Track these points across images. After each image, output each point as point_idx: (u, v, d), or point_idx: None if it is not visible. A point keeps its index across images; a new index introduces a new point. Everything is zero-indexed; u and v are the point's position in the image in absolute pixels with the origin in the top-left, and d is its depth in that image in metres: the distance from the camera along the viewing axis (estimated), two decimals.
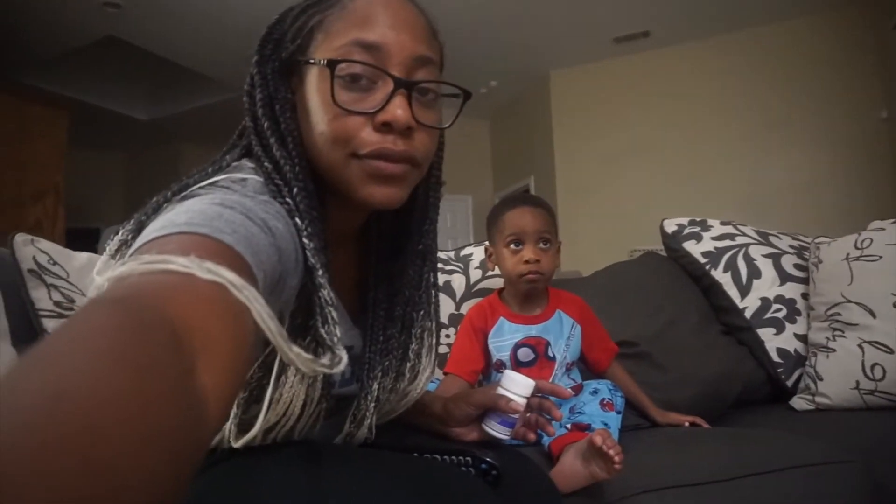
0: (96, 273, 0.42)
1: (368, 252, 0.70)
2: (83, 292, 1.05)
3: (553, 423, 1.06)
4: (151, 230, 0.41)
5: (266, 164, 0.56)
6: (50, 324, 1.00)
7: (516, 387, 0.76)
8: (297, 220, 0.53)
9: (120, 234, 0.52)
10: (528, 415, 0.80)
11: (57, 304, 1.02)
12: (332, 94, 0.54)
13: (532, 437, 0.80)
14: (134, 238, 0.49)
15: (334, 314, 0.52)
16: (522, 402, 0.76)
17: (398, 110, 0.54)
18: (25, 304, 1.03)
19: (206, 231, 0.40)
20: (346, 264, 0.69)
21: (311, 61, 0.56)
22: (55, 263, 1.06)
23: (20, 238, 1.05)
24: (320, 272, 0.52)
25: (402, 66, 0.56)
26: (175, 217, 0.41)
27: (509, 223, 1.17)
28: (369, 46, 0.55)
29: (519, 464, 0.77)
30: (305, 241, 0.52)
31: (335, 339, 0.52)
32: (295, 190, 0.54)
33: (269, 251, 0.45)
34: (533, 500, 0.73)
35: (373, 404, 0.67)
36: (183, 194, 0.50)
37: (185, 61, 5.34)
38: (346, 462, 0.59)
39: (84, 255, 1.13)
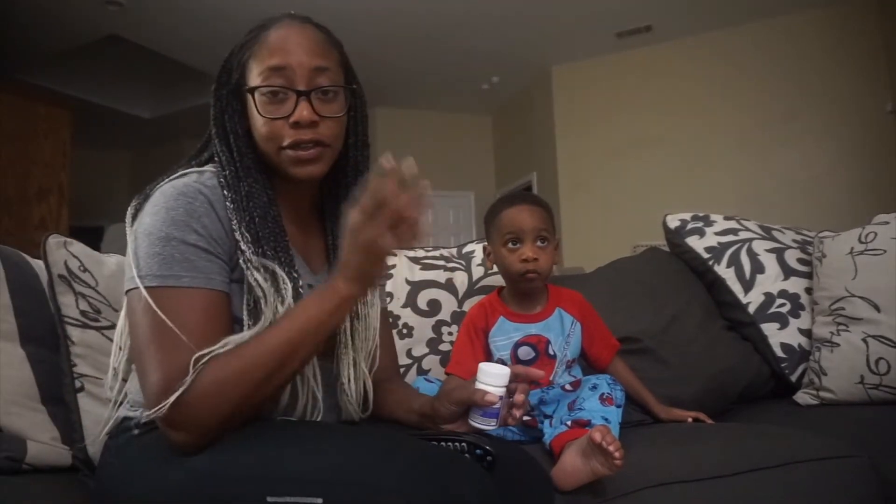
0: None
1: (325, 218, 0.92)
2: (110, 303, 1.06)
3: (554, 419, 1.07)
4: (138, 257, 0.73)
5: (216, 157, 0.81)
6: (75, 332, 1.00)
7: (491, 378, 0.79)
8: (225, 191, 0.77)
9: (131, 208, 0.79)
10: (510, 400, 0.82)
11: (83, 313, 1.02)
12: (258, 110, 0.79)
13: (511, 421, 0.81)
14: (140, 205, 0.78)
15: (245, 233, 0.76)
16: (499, 391, 0.78)
17: (303, 112, 0.78)
18: (41, 304, 1.03)
19: (171, 283, 0.71)
20: (313, 235, 0.91)
21: (245, 90, 0.81)
22: (85, 270, 1.05)
23: (53, 241, 1.04)
24: (235, 216, 0.76)
25: (304, 78, 0.79)
26: (144, 261, 0.72)
27: (507, 222, 1.17)
28: (278, 69, 0.79)
29: (513, 452, 0.80)
30: (228, 203, 0.77)
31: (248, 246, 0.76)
32: (227, 171, 0.79)
33: (204, 258, 0.73)
34: (525, 486, 0.76)
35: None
36: (164, 182, 0.78)
37: (188, 59, 5.34)
38: (346, 435, 0.69)
39: (113, 260, 1.12)
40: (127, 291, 0.73)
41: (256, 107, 0.79)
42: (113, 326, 1.03)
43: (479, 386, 0.79)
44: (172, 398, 0.65)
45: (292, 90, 0.78)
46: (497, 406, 0.78)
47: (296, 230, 0.86)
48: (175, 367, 0.67)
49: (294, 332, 0.71)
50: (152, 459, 0.70)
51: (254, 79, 0.80)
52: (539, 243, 1.16)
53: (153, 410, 0.67)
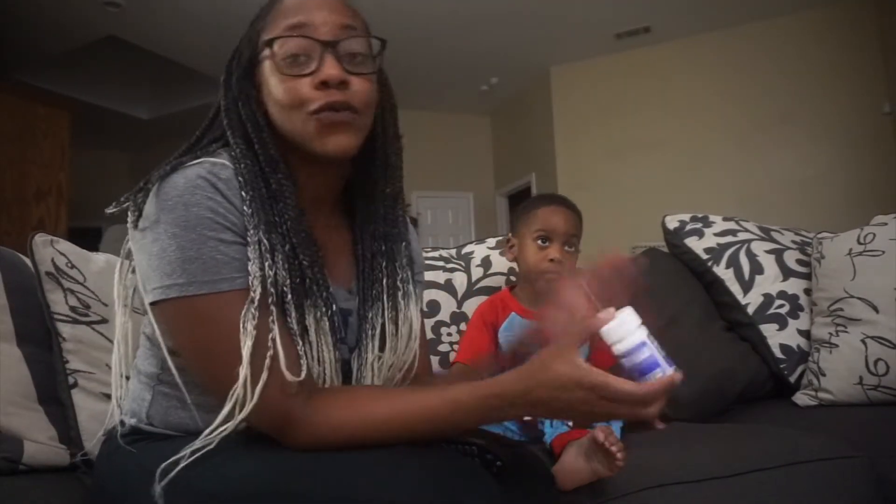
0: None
1: (351, 216, 0.81)
2: (99, 297, 1.05)
3: (554, 420, 1.06)
4: (171, 262, 0.64)
5: (232, 152, 0.71)
6: (65, 328, 1.00)
7: (620, 332, 0.61)
8: (243, 193, 0.67)
9: (132, 206, 0.69)
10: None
11: (72, 308, 1.02)
12: (279, 69, 0.69)
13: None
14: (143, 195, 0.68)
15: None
16: (634, 340, 0.61)
17: (331, 70, 0.68)
18: (37, 305, 1.03)
19: (205, 290, 0.63)
20: (333, 232, 0.79)
21: (259, 52, 0.71)
22: (73, 267, 1.05)
23: (39, 239, 1.04)
24: (250, 214, 0.67)
25: (329, 35, 0.69)
26: (179, 266, 0.63)
27: (542, 218, 1.19)
28: (296, 27, 0.69)
29: (520, 456, 0.78)
30: (245, 208, 0.67)
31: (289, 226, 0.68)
32: (242, 165, 0.69)
33: (227, 251, 0.65)
34: (530, 486, 0.75)
35: (375, 327, 0.77)
36: (167, 172, 0.68)
37: (186, 60, 5.34)
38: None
39: (101, 258, 1.12)
40: (159, 302, 0.65)
41: (277, 66, 0.69)
42: (104, 321, 1.03)
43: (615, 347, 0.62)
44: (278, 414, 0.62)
45: (317, 41, 0.68)
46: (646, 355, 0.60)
47: (314, 225, 0.74)
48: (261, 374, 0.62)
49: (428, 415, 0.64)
50: (145, 473, 0.65)
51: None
52: (567, 247, 1.18)
53: (259, 418, 0.63)
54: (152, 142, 7.09)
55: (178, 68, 5.48)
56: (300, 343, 0.67)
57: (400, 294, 0.80)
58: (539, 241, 1.18)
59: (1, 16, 4.33)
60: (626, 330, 0.61)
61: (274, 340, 0.63)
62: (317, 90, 0.68)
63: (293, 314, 0.67)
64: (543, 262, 1.17)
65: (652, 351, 0.60)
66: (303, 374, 0.64)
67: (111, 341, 1.02)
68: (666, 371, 0.60)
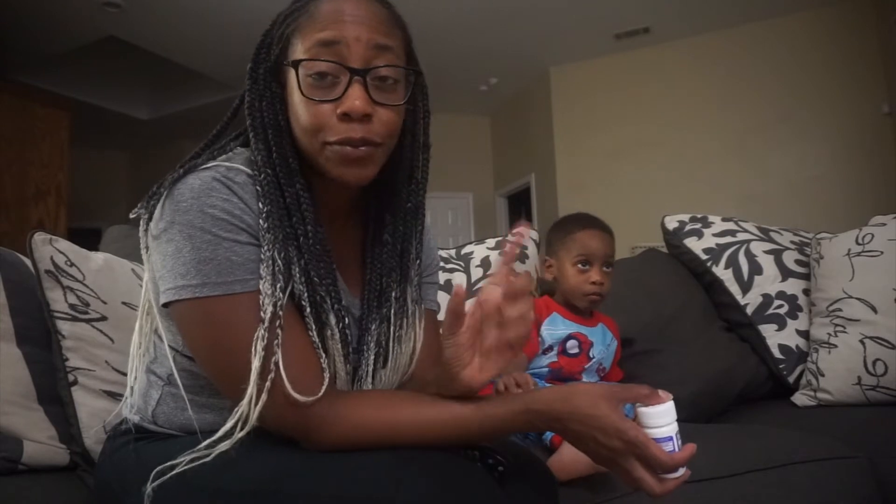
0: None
1: (367, 225, 0.79)
2: (98, 295, 1.06)
3: None
4: (186, 263, 0.63)
5: (252, 156, 0.69)
6: (64, 326, 1.00)
7: (658, 419, 0.65)
8: (260, 204, 0.66)
9: (144, 209, 0.69)
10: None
11: (72, 306, 1.02)
12: (301, 90, 0.65)
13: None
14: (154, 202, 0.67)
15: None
16: (668, 430, 0.65)
17: (356, 101, 0.64)
18: (37, 305, 1.03)
19: (218, 292, 0.62)
20: (348, 242, 0.78)
21: (286, 64, 0.68)
22: (72, 265, 1.05)
23: (39, 237, 1.04)
24: (269, 234, 0.65)
25: (360, 57, 0.66)
26: (194, 267, 0.62)
27: (581, 243, 1.23)
28: (328, 43, 0.65)
29: (523, 460, 0.78)
30: (262, 221, 0.65)
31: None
32: (262, 176, 0.67)
33: (242, 252, 0.64)
34: (533, 496, 0.74)
35: (380, 340, 0.75)
36: (182, 175, 0.66)
37: (185, 61, 5.34)
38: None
39: (100, 256, 1.12)
40: (172, 303, 0.64)
41: (300, 86, 0.65)
42: (103, 318, 1.04)
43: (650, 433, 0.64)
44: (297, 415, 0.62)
45: (345, 67, 0.65)
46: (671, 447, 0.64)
47: (329, 234, 0.72)
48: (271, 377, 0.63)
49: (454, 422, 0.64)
50: (146, 471, 0.65)
51: (298, 56, 0.67)
52: (605, 268, 1.23)
53: (273, 419, 0.63)
54: (152, 142, 7.09)
55: (178, 68, 5.48)
56: (323, 356, 0.66)
57: (408, 312, 0.78)
58: (580, 265, 1.22)
59: (1, 16, 4.33)
60: (661, 421, 0.64)
61: (277, 364, 0.62)
62: (339, 120, 0.65)
63: (314, 328, 0.66)
64: (585, 285, 1.21)
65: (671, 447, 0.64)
66: (323, 389, 0.64)
67: (111, 338, 1.03)
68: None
